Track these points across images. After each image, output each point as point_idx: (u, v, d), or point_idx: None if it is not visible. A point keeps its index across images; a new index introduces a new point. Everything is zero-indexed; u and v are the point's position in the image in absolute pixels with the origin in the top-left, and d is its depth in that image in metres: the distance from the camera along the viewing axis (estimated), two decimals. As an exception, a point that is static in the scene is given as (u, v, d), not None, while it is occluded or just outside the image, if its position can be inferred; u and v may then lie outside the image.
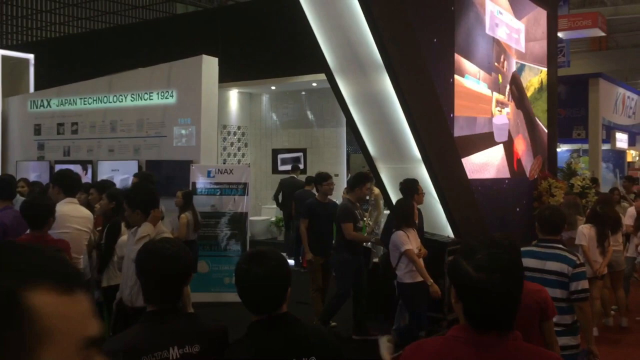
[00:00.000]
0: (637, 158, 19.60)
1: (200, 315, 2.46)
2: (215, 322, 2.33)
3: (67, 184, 4.72)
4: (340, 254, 6.37)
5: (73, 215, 4.64)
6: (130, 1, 16.08)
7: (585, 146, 15.18)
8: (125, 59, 12.12)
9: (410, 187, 6.29)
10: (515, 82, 9.02)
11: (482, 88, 8.09)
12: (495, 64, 8.44)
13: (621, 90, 16.73)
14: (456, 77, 7.39)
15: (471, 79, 7.72)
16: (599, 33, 18.79)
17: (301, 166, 12.22)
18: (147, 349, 2.12)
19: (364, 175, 6.75)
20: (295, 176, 11.24)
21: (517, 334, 1.67)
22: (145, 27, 14.69)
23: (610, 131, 15.88)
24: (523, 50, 9.38)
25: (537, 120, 9.85)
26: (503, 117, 8.66)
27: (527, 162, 9.44)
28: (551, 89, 10.32)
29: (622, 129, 16.99)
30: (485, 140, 8.13)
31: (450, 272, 1.74)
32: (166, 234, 4.03)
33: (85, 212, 4.82)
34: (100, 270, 5.32)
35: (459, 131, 7.40)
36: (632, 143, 18.33)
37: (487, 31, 8.26)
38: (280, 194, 10.79)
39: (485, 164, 8.07)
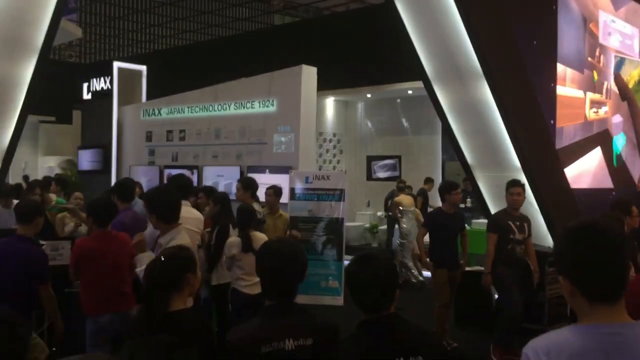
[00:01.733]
0: None
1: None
2: (327, 319, 2.50)
3: (180, 187, 5.08)
4: (496, 267, 5.84)
5: (186, 217, 4.96)
6: (232, 14, 16.83)
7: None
8: (228, 69, 12.72)
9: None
10: (617, 80, 8.47)
11: (571, 91, 7.50)
12: (589, 59, 7.84)
13: None
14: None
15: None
16: None
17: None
18: (266, 340, 2.33)
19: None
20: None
21: None
22: (246, 39, 15.33)
23: None
24: (638, 60, 8.89)
25: None
26: (617, 116, 8.22)
27: (631, 162, 8.86)
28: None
29: None
30: (579, 149, 7.66)
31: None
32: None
33: (197, 214, 5.16)
34: (210, 269, 5.68)
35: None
36: None
37: (601, 41, 7.88)
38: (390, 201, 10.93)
39: (582, 172, 7.70)
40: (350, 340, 2.32)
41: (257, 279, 5.18)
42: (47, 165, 16.21)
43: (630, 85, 9.04)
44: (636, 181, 9.00)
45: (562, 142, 7.33)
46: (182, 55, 15.55)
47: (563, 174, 7.17)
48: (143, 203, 4.49)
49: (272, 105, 9.37)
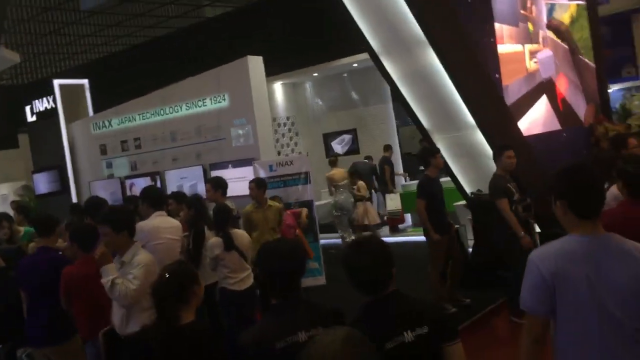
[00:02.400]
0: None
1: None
2: (332, 306, 2.63)
3: (154, 198, 5.13)
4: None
5: (165, 227, 5.05)
6: (162, 13, 16.56)
7: (638, 83, 14.84)
8: (171, 69, 12.60)
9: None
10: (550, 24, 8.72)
11: (509, 47, 7.71)
12: (522, 11, 8.08)
13: (667, 20, 16.21)
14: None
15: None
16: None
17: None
18: (279, 336, 2.44)
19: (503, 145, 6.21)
20: (367, 161, 11.75)
21: None
22: (182, 36, 15.14)
23: (661, 64, 15.44)
24: (567, 3, 9.19)
25: (581, 57, 9.63)
26: (546, 50, 8.45)
27: (575, 102, 9.23)
28: (595, 34, 10.17)
29: (674, 59, 16.48)
30: (527, 101, 7.91)
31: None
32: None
33: (174, 222, 5.23)
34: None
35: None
36: (685, 72, 17.76)
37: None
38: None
39: (532, 122, 8.01)
40: (357, 324, 2.44)
41: (244, 275, 5.36)
42: (0, 194, 15.80)
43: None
44: (582, 119, 9.41)
45: (510, 99, 7.60)
46: (121, 62, 15.27)
47: (515, 124, 7.46)
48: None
49: (224, 99, 9.37)
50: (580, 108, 9.40)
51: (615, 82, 14.71)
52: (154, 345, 2.67)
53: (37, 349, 4.72)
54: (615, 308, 2.23)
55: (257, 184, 6.82)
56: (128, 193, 10.33)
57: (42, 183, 12.24)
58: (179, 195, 6.55)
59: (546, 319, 2.33)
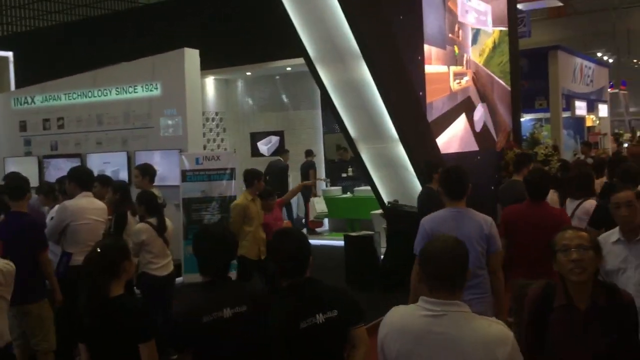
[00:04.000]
0: (598, 122, 20.55)
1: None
2: (257, 288, 2.88)
3: (82, 179, 5.17)
4: None
5: (90, 208, 5.11)
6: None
7: (548, 115, 15.97)
8: (103, 52, 12.38)
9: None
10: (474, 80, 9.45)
11: (436, 68, 8.27)
12: (450, 35, 8.66)
13: (579, 60, 17.53)
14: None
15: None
16: (557, 3, 19.60)
17: (288, 150, 12.66)
18: (206, 310, 2.68)
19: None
20: (282, 159, 11.92)
21: None
22: (116, 19, 14.87)
23: (569, 100, 16.69)
24: (490, 31, 9.88)
25: (497, 79, 10.34)
26: (479, 109, 9.15)
27: (491, 125, 9.93)
28: (514, 66, 10.96)
29: (581, 97, 17.83)
30: (447, 119, 8.51)
31: None
32: None
33: (100, 204, 5.29)
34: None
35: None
36: (590, 109, 19.22)
37: (460, 19, 8.71)
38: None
39: (450, 138, 8.58)
40: (278, 302, 2.72)
41: (166, 261, 5.48)
42: None
43: (486, 54, 10.07)
44: (496, 142, 10.12)
45: (432, 115, 8.11)
46: (50, 38, 14.77)
47: (434, 141, 7.96)
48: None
49: (157, 89, 9.36)
50: (496, 131, 10.12)
51: (528, 112, 15.78)
52: (84, 314, 2.81)
53: None
54: None
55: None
56: (46, 173, 10.08)
57: (-48, 154, 11.67)
58: (104, 179, 6.54)
59: None
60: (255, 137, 14.18)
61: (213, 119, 14.04)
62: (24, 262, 4.09)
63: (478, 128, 9.42)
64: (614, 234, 3.54)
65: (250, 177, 6.66)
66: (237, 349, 2.74)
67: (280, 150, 12.24)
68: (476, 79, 9.49)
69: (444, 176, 4.07)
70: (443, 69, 8.51)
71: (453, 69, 8.75)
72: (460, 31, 9.02)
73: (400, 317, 2.30)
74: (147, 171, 6.54)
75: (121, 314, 2.77)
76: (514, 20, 11.10)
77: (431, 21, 8.14)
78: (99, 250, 2.87)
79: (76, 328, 2.87)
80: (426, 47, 8.03)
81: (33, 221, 4.81)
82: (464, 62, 9.14)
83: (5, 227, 4.61)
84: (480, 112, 9.52)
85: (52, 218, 5.76)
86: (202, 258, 2.80)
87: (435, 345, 2.15)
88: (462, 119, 8.95)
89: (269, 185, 11.43)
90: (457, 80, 8.88)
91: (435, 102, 8.24)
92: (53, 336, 4.69)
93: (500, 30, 10.55)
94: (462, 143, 8.92)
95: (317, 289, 2.77)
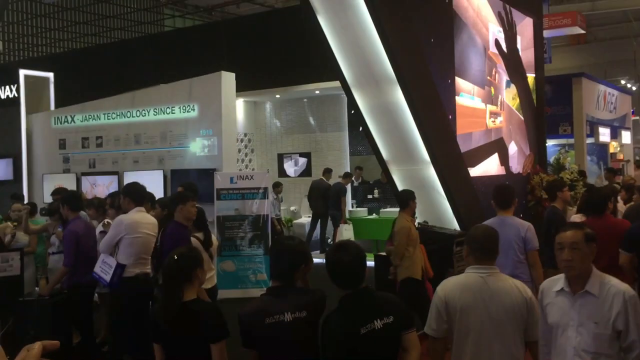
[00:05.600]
0: (619, 149, 20.61)
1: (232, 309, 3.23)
2: (319, 291, 3.12)
3: (137, 195, 5.46)
4: None
5: (144, 222, 5.39)
6: (135, 17, 16.74)
7: (571, 141, 16.12)
8: (139, 73, 12.83)
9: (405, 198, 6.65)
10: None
11: (477, 103, 8.79)
12: (488, 77, 9.23)
13: (602, 87, 17.70)
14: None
15: (466, 95, 8.47)
16: (578, 31, 19.79)
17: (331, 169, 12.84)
18: (269, 312, 2.93)
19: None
20: (325, 179, 12.18)
21: None
22: (146, 43, 15.37)
23: (593, 126, 16.83)
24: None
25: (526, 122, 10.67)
26: (512, 146, 9.56)
27: (521, 161, 10.25)
28: (539, 92, 11.18)
29: (604, 123, 17.96)
30: (482, 152, 8.85)
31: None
32: None
33: (151, 219, 5.57)
34: (157, 269, 6.06)
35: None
36: (614, 136, 19.32)
37: (491, 49, 9.12)
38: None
39: (483, 172, 8.88)
40: (338, 312, 2.94)
41: (210, 274, 5.73)
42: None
43: (517, 102, 10.40)
44: (521, 169, 10.30)
45: (470, 145, 8.47)
46: (88, 60, 15.32)
47: (464, 164, 8.18)
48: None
49: (194, 110, 9.73)
50: (522, 160, 10.35)
51: (552, 137, 15.94)
52: (159, 316, 3.06)
53: None
54: None
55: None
56: (87, 190, 10.44)
57: (-5, 170, 12.14)
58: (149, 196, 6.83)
59: None
60: (283, 158, 14.49)
61: (242, 140, 14.39)
62: None
63: (513, 165, 9.82)
64: (559, 281, 3.02)
65: (406, 198, 6.65)
66: (296, 353, 2.97)
67: (326, 170, 12.50)
68: (508, 120, 9.91)
69: (495, 191, 5.01)
70: (482, 105, 8.97)
71: (490, 107, 9.15)
72: (497, 75, 9.49)
73: (458, 280, 3.27)
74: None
75: (195, 316, 3.02)
76: (540, 46, 11.34)
77: (475, 64, 8.74)
78: (175, 258, 3.13)
79: (151, 329, 3.13)
80: (469, 83, 8.51)
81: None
82: (499, 104, 9.54)
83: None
84: (514, 149, 9.91)
85: (101, 232, 6.07)
86: (271, 264, 3.07)
87: (490, 294, 3.12)
88: (494, 158, 9.28)
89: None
90: (492, 119, 9.28)
91: (474, 133, 8.65)
92: None
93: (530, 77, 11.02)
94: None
95: (374, 297, 3.00)
